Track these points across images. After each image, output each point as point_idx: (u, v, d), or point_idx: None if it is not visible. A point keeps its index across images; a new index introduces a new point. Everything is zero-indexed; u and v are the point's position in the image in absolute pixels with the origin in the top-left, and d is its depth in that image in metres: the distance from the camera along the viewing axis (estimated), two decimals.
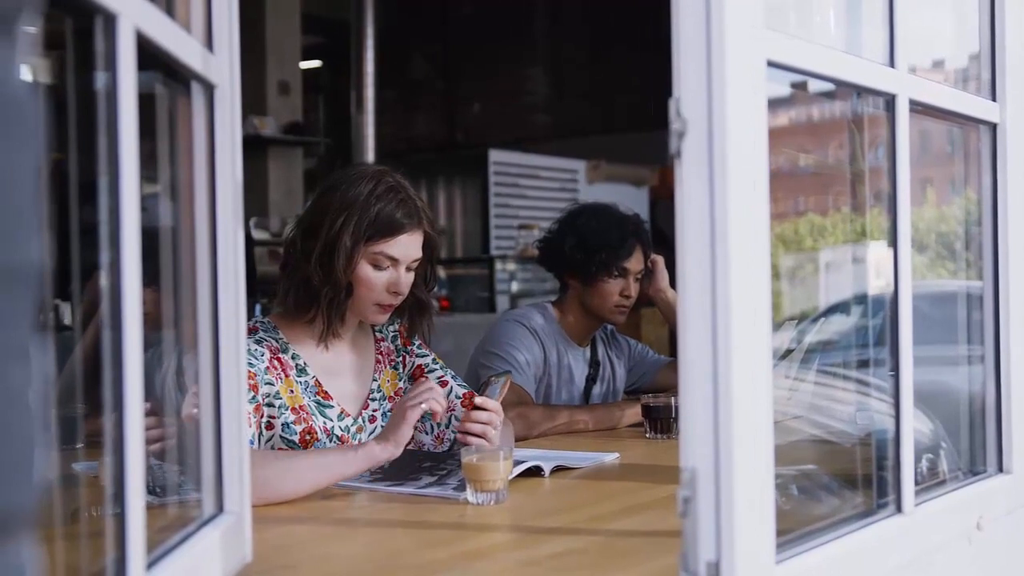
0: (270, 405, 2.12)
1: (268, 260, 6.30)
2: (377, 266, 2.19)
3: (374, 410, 2.32)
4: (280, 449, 2.15)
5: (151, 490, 1.26)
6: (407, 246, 2.20)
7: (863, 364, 1.93)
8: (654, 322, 6.56)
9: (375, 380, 2.35)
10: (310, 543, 1.68)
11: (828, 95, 1.70)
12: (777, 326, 1.27)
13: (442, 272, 7.59)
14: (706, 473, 1.17)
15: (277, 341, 2.21)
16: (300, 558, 1.58)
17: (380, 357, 2.38)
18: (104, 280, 1.01)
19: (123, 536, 1.01)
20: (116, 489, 1.00)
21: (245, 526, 1.41)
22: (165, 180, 1.34)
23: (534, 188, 8.09)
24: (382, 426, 2.29)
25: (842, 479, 1.71)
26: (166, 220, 1.34)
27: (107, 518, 1.23)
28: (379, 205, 2.16)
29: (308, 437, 2.17)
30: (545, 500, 2.00)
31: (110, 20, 0.99)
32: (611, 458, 2.34)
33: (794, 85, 1.46)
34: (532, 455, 2.20)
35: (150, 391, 1.08)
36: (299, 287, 2.20)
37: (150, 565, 1.08)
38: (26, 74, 0.56)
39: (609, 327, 3.18)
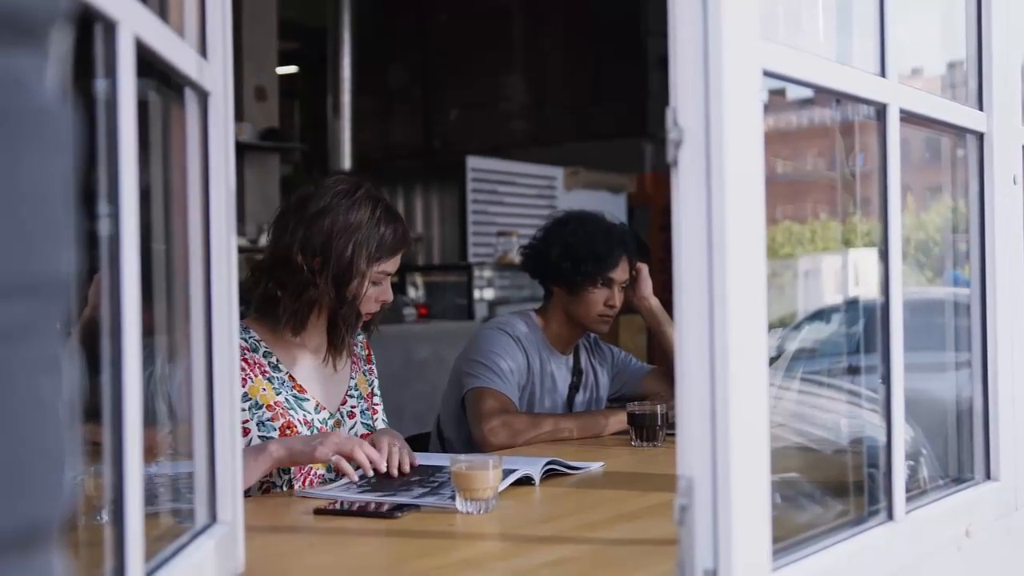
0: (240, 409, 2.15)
1: (246, 267, 6.26)
2: (376, 283, 2.30)
3: (352, 406, 2.40)
4: None
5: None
6: (399, 260, 2.34)
7: (847, 371, 1.94)
8: (631, 329, 6.58)
9: (352, 378, 2.43)
10: (302, 553, 1.67)
11: (804, 103, 1.71)
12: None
13: (420, 279, 7.57)
14: (703, 481, 1.17)
15: (247, 340, 2.24)
16: (292, 568, 1.57)
17: (355, 358, 2.46)
18: (103, 287, 1.00)
19: (122, 546, 1.00)
20: (115, 498, 0.99)
21: (238, 536, 1.40)
22: (158, 187, 1.33)
23: (512, 195, 8.08)
24: (361, 423, 2.40)
25: (831, 487, 1.71)
26: (158, 227, 1.33)
27: (96, 527, 1.21)
28: (382, 228, 2.27)
29: (288, 431, 2.23)
30: (534, 509, 2.00)
31: (110, 27, 0.99)
32: (597, 467, 2.34)
33: (771, 92, 1.46)
34: (519, 463, 2.19)
35: None
36: (306, 307, 2.26)
37: (148, 575, 1.07)
38: (57, 85, 0.56)
39: (592, 335, 3.18)
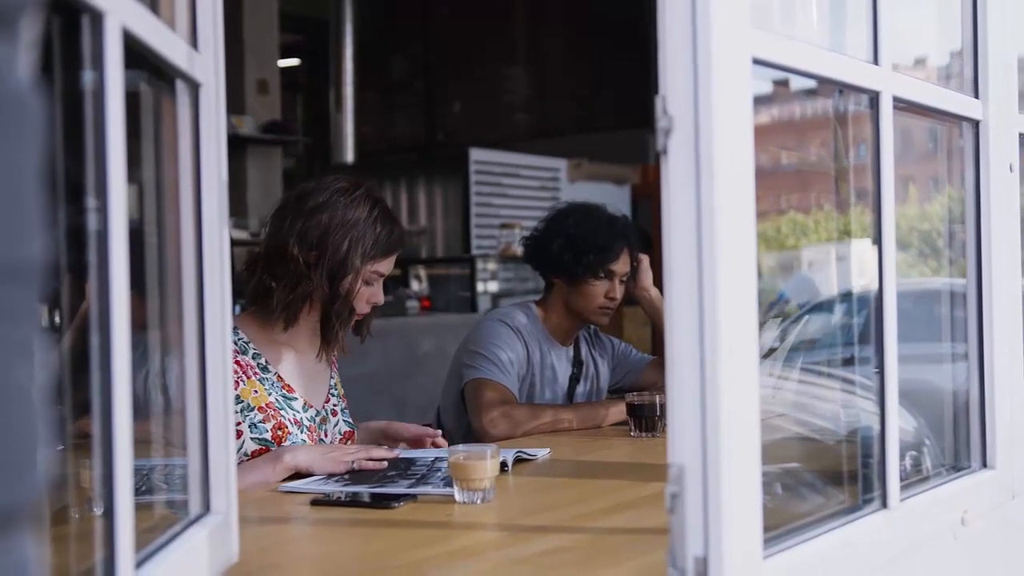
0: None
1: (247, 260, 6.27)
2: (368, 283, 2.31)
3: (334, 404, 2.44)
4: (253, 452, 2.18)
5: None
6: (393, 262, 2.37)
7: (847, 362, 1.94)
8: (635, 321, 6.58)
9: (332, 378, 2.47)
10: (296, 543, 1.68)
11: (809, 93, 1.71)
12: (760, 324, 1.28)
13: (423, 272, 7.57)
14: (694, 469, 1.17)
15: (236, 343, 2.24)
16: (286, 558, 1.58)
17: (334, 358, 2.49)
18: (91, 282, 1.00)
19: (112, 536, 1.00)
20: (105, 490, 1.00)
21: (232, 526, 1.41)
22: (149, 180, 1.33)
23: (515, 187, 8.07)
24: (344, 420, 2.44)
25: (827, 476, 1.71)
26: (149, 220, 1.33)
27: (89, 518, 1.21)
28: (379, 228, 2.29)
29: (280, 432, 2.24)
30: (531, 499, 2.00)
31: (97, 18, 0.99)
32: (543, 453, 2.36)
33: (775, 82, 1.46)
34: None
35: (132, 392, 1.08)
36: (300, 300, 2.28)
37: (138, 564, 1.08)
38: (28, 72, 0.56)
39: (593, 326, 3.18)
